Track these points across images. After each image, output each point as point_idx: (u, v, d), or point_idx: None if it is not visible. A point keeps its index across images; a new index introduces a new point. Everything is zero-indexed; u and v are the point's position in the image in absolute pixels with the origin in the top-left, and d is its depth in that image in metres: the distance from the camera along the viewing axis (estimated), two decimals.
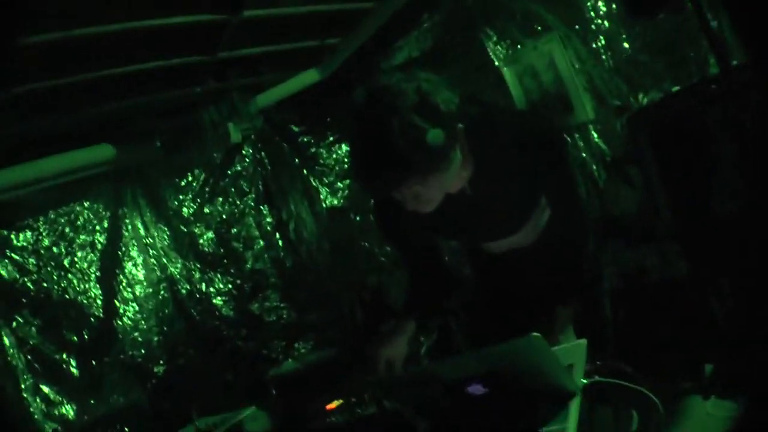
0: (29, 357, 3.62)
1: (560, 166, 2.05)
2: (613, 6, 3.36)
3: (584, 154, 3.69)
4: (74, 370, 3.75)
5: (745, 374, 2.90)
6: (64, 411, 3.68)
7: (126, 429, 3.80)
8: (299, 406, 2.34)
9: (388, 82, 1.58)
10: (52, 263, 3.75)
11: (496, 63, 3.90)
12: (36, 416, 3.57)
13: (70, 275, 3.81)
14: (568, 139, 3.66)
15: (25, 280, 3.67)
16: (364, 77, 3.88)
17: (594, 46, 3.50)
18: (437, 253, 2.28)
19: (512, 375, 1.48)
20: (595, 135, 3.63)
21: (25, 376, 3.57)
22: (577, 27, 3.51)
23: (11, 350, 3.57)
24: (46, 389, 3.64)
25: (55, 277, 3.75)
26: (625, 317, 3.33)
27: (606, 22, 3.44)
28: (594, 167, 3.68)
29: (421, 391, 1.61)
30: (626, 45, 3.39)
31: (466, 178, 1.86)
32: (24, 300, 3.63)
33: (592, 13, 3.47)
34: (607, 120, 3.55)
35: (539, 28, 3.65)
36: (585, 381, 1.54)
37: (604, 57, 3.49)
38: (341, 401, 2.06)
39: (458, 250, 3.42)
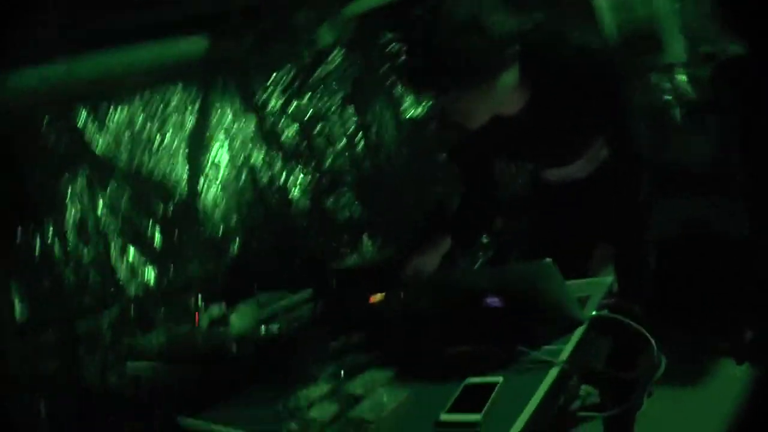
0: (120, 222, 3.93)
1: (622, 110, 2.06)
2: None
3: (667, 96, 3.61)
4: (158, 239, 4.04)
5: None
6: (146, 274, 3.99)
7: (200, 295, 4.10)
8: (349, 297, 2.53)
9: (446, 2, 1.68)
10: (143, 142, 4.00)
11: None
12: (121, 275, 3.91)
13: (160, 152, 4.05)
14: (653, 78, 3.60)
15: (121, 151, 3.94)
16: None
17: None
18: (492, 172, 2.35)
19: (526, 294, 1.61)
20: (682, 78, 3.55)
21: (114, 239, 3.89)
22: None
23: (104, 214, 3.89)
24: (132, 253, 3.96)
25: (146, 153, 4.01)
26: (677, 266, 3.35)
27: None
28: (676, 111, 3.61)
29: (443, 295, 1.77)
30: None
31: (522, 101, 1.91)
32: (118, 170, 3.92)
33: None
34: (696, 64, 3.46)
35: None
36: (594, 313, 1.65)
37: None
38: (383, 295, 2.24)
39: (518, 173, 3.48)
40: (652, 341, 1.63)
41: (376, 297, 2.26)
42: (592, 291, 1.82)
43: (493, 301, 1.66)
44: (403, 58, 1.74)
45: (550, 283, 1.56)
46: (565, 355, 1.49)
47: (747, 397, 2.50)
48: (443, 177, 4.68)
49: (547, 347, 1.56)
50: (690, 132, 3.51)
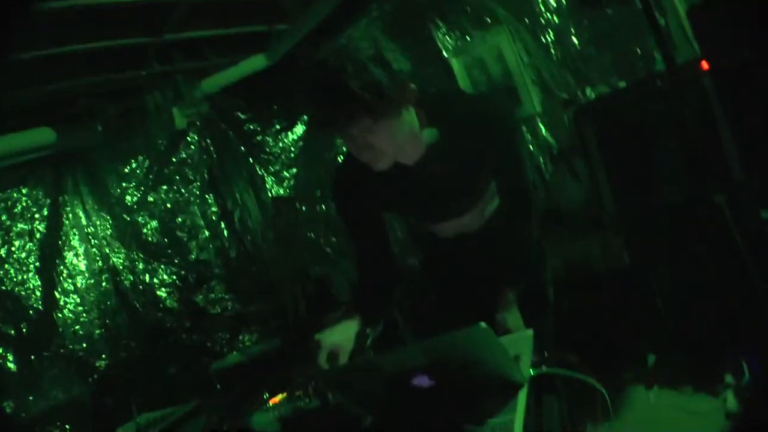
0: None
1: (511, 153, 2.06)
2: (563, 0, 3.37)
3: (531, 146, 3.73)
4: (11, 365, 3.63)
5: (688, 363, 2.99)
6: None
7: (67, 426, 3.68)
8: (242, 400, 2.28)
9: (347, 40, 1.73)
10: None
11: (445, 54, 3.89)
12: None
13: (6, 265, 3.68)
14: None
15: None
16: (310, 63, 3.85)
17: (543, 40, 3.57)
18: (386, 240, 2.26)
19: (458, 366, 1.45)
20: (543, 127, 3.70)
21: None
22: (526, 20, 3.59)
23: None
24: None
25: None
26: (569, 307, 3.38)
27: (555, 16, 3.51)
28: (541, 159, 3.73)
29: (365, 384, 1.57)
30: (574, 39, 3.46)
31: (420, 149, 1.88)
32: None
33: (541, 7, 3.55)
34: (555, 113, 3.61)
35: (489, 20, 3.68)
36: (532, 372, 1.52)
37: (552, 51, 3.56)
38: (284, 395, 2.01)
39: (407, 235, 3.41)
40: (601, 388, 1.54)
41: (277, 398, 2.02)
42: (519, 348, 1.70)
43: (421, 380, 1.48)
44: (312, 96, 1.71)
45: (487, 347, 1.41)
46: (518, 426, 1.34)
47: None
48: (315, 257, 4.54)
49: (494, 421, 1.40)
50: (560, 177, 3.60)
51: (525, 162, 2.11)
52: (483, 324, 1.36)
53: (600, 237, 3.47)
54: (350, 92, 1.62)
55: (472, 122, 1.88)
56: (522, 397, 1.46)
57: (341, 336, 2.03)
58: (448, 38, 3.93)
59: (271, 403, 2.05)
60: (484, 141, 1.91)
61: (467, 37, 3.83)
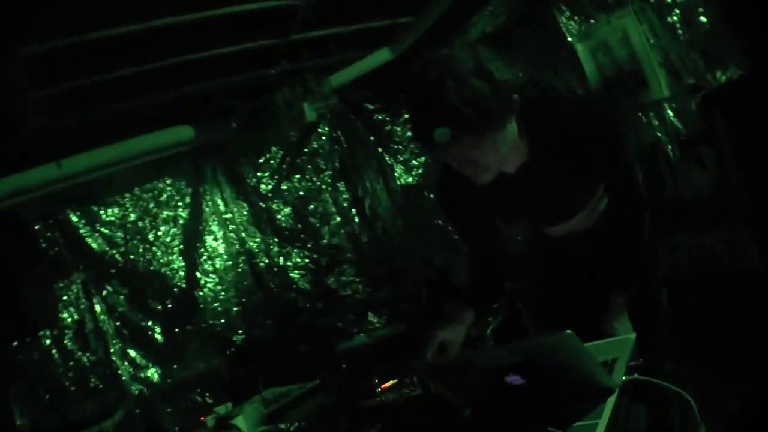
0: (118, 323, 3.89)
1: (619, 154, 2.04)
2: None
3: (659, 133, 3.58)
4: (159, 337, 4.00)
5: None
6: (149, 374, 3.93)
7: (206, 394, 4.00)
8: (356, 382, 2.41)
9: (445, 50, 1.67)
10: (138, 237, 4.01)
11: (569, 38, 3.81)
12: (124, 378, 3.82)
13: (154, 248, 4.05)
14: (643, 117, 3.56)
15: (114, 252, 3.93)
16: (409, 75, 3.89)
17: (669, 20, 3.37)
18: (498, 234, 2.28)
19: (549, 368, 1.49)
20: (670, 113, 3.52)
21: (114, 341, 3.83)
22: (651, 0, 3.37)
23: (102, 316, 3.83)
24: (133, 353, 3.90)
25: (140, 250, 4.01)
26: (692, 303, 3.25)
27: None
28: (669, 147, 3.56)
29: (464, 378, 1.65)
30: (703, 18, 3.24)
31: (523, 156, 1.87)
32: (113, 270, 3.90)
33: None
34: (683, 98, 3.42)
35: (612, 2, 3.52)
36: (624, 378, 1.53)
37: (680, 31, 3.36)
38: (395, 380, 2.11)
39: (520, 232, 3.41)
40: (691, 401, 1.51)
41: (388, 383, 2.14)
42: (617, 352, 1.70)
43: (514, 378, 1.54)
44: (413, 113, 1.71)
45: (572, 354, 1.45)
46: (601, 431, 1.37)
47: None
48: (443, 244, 4.60)
49: (579, 424, 1.44)
50: (687, 166, 3.44)
51: (632, 161, 2.06)
52: (569, 331, 1.40)
53: (728, 232, 3.30)
54: (452, 110, 1.56)
55: (574, 125, 1.85)
56: (610, 403, 1.47)
57: (451, 330, 2.11)
58: (572, 22, 3.83)
59: (381, 388, 2.16)
60: (588, 143, 1.87)
61: (591, 20, 3.72)
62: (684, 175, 3.48)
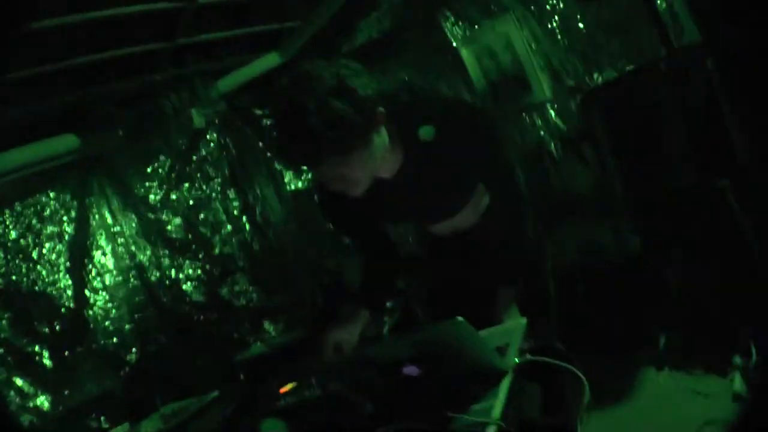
0: (1, 350, 3.65)
1: (496, 153, 2.09)
2: None
3: (542, 132, 3.79)
4: (47, 362, 3.82)
5: (698, 345, 3.03)
6: (38, 402, 3.76)
7: (101, 417, 3.85)
8: (256, 390, 2.39)
9: (308, 68, 1.67)
10: (20, 255, 3.80)
11: (454, 44, 3.94)
12: (11, 409, 3.61)
13: (38, 267, 3.87)
14: (527, 118, 3.74)
15: None
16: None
17: (550, 26, 3.59)
18: (386, 236, 2.33)
19: (443, 356, 1.54)
20: (552, 113, 3.73)
21: None
22: (533, 7, 3.59)
23: None
24: (19, 382, 3.71)
25: (23, 270, 3.79)
26: (580, 293, 3.44)
27: (561, 2, 3.50)
28: (552, 145, 3.75)
29: (362, 374, 1.68)
30: (581, 25, 3.47)
31: (399, 160, 1.90)
32: None
33: None
34: (563, 99, 3.62)
35: (496, 8, 3.69)
36: (517, 360, 1.60)
37: (559, 37, 3.58)
38: (294, 384, 2.11)
39: (408, 232, 3.50)
40: (582, 377, 1.59)
41: (287, 387, 2.13)
42: (509, 337, 1.78)
43: (410, 369, 1.58)
44: (275, 134, 1.70)
45: (466, 339, 1.50)
46: (497, 411, 1.43)
47: None
48: (334, 248, 4.63)
49: (476, 407, 1.49)
50: (570, 163, 3.64)
51: (510, 162, 2.14)
52: (460, 318, 1.45)
53: (611, 222, 3.51)
54: (313, 132, 1.57)
55: (450, 127, 1.89)
56: (505, 384, 1.54)
57: (346, 331, 2.13)
58: (456, 28, 3.98)
59: (280, 392, 2.15)
60: (465, 143, 1.92)
61: (476, 26, 3.87)
62: (568, 172, 3.68)
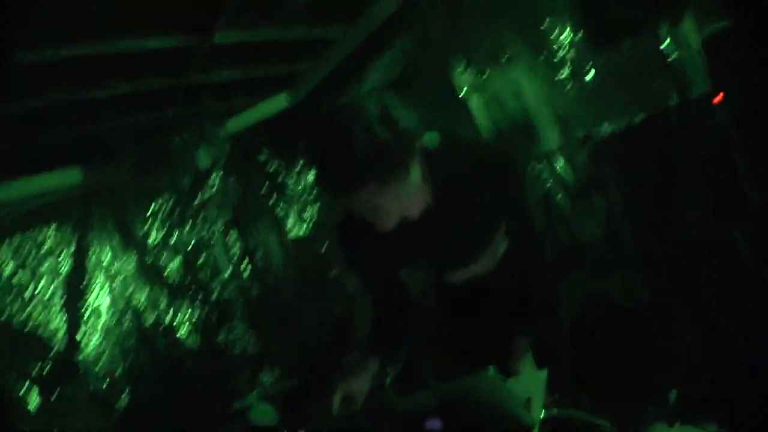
0: None
1: (517, 198, 2.09)
2: (579, 35, 3.40)
3: (549, 183, 3.73)
4: (35, 402, 3.67)
5: (710, 399, 2.96)
6: None
7: None
8: None
9: (351, 99, 1.72)
10: (14, 292, 3.68)
11: (464, 89, 3.93)
12: None
13: (32, 305, 3.74)
14: (533, 168, 3.71)
15: None
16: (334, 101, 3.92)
17: (560, 75, 3.55)
18: (400, 284, 2.27)
19: (468, 409, 1.48)
20: (560, 164, 3.68)
21: None
22: (543, 56, 3.56)
23: None
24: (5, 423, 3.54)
25: (16, 307, 3.68)
26: (590, 344, 3.37)
27: (572, 51, 3.49)
28: (559, 195, 3.72)
29: (379, 427, 1.60)
30: (590, 75, 3.44)
31: (425, 201, 1.89)
32: None
33: (558, 42, 3.52)
34: (572, 149, 3.60)
35: (506, 56, 3.68)
36: (543, 414, 1.53)
37: (569, 86, 3.55)
38: None
39: (421, 281, 3.44)
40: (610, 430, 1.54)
41: None
42: (531, 389, 1.72)
43: (434, 423, 1.51)
44: (317, 159, 1.72)
45: (495, 392, 1.44)
46: None
47: None
48: (338, 294, 4.55)
49: None
50: (577, 212, 3.61)
51: (532, 206, 2.12)
52: (491, 370, 1.39)
53: (620, 274, 3.46)
54: (357, 157, 1.58)
55: (475, 171, 1.90)
56: None
57: (356, 380, 2.05)
58: (466, 74, 3.98)
59: None
60: (489, 188, 1.92)
61: (485, 73, 3.88)
62: (577, 222, 3.64)
